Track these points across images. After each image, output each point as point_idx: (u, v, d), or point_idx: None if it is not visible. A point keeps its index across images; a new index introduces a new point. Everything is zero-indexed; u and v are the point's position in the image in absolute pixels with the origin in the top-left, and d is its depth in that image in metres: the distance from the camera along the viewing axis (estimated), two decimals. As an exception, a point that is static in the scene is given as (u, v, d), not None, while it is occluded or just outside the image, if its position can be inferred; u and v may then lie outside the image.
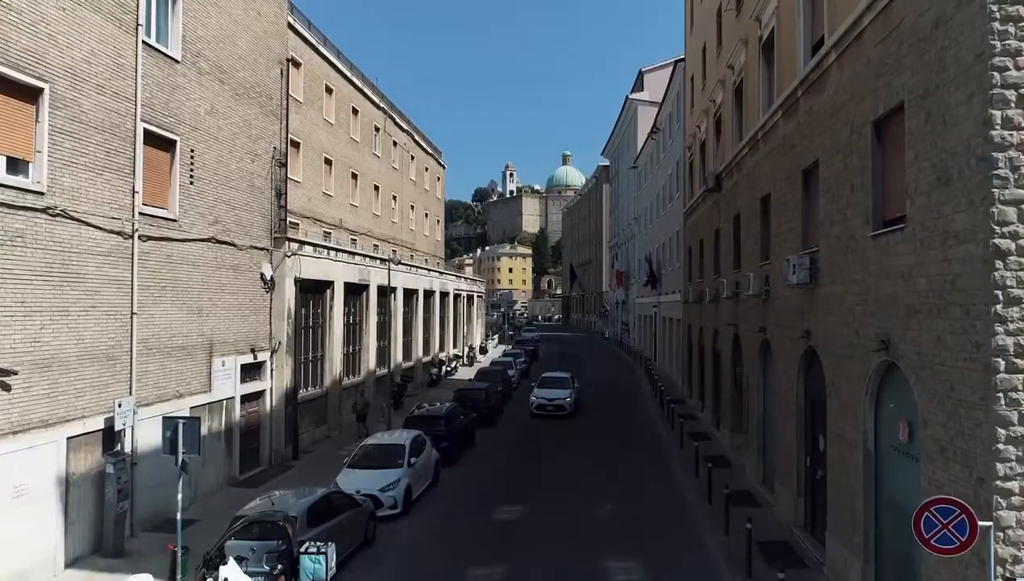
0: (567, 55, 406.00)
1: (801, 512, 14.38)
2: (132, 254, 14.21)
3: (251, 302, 19.04)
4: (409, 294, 35.04)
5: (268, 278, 19.78)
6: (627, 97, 60.66)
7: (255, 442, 19.56)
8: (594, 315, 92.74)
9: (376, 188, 41.68)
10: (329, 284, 23.79)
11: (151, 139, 14.97)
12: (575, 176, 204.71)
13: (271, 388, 20.01)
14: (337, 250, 24.31)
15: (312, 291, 22.94)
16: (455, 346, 46.43)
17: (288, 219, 30.09)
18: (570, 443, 23.59)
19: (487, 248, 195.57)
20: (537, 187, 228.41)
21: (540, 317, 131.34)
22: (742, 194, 20.10)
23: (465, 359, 46.22)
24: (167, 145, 15.61)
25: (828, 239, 12.33)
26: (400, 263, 23.97)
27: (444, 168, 59.50)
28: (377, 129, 41.98)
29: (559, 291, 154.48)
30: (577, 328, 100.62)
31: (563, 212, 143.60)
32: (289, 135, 30.28)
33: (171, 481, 14.63)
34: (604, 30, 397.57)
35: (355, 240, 36.86)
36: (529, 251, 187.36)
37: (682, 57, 35.52)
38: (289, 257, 20.36)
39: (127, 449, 13.77)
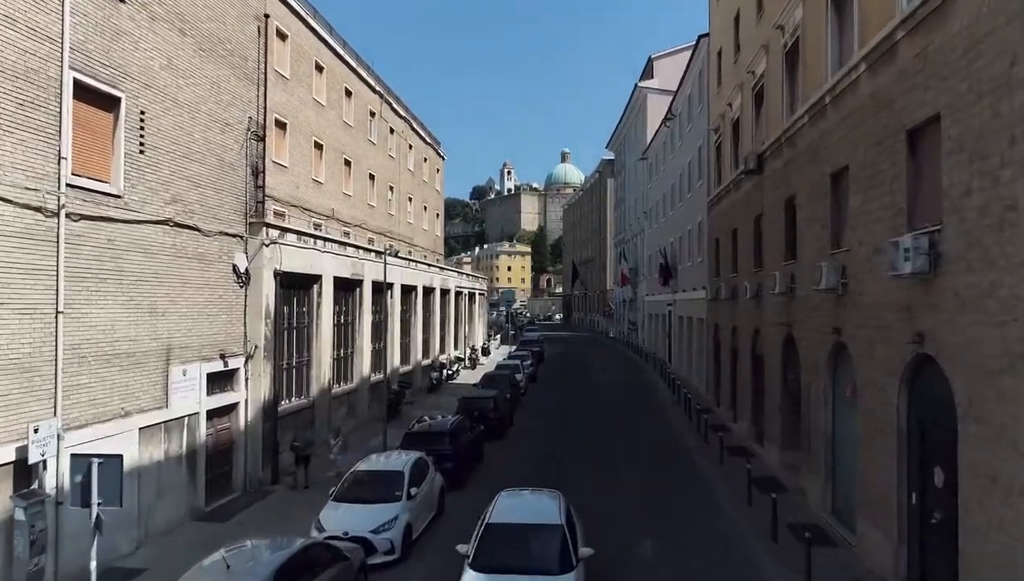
0: (565, 52, 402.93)
1: (903, 562, 11.42)
2: (58, 236, 11.20)
3: (221, 298, 16.03)
4: (407, 291, 32.05)
5: (242, 270, 16.77)
6: (636, 85, 57.72)
7: (226, 464, 16.55)
8: (597, 314, 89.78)
9: (371, 177, 38.65)
10: (316, 279, 20.78)
11: (85, 94, 11.96)
12: (574, 174, 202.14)
13: (246, 400, 17.01)
14: (325, 240, 21.29)
15: (296, 286, 19.92)
16: (456, 347, 43.43)
17: (273, 207, 27.16)
18: (592, 455, 20.62)
19: (485, 246, 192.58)
20: (536, 185, 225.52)
21: (540, 316, 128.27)
22: (799, 172, 17.14)
23: (467, 361, 43.23)
24: (108, 103, 12.58)
25: (962, 213, 9.37)
26: (397, 256, 20.96)
27: (444, 159, 56.48)
28: (373, 114, 38.96)
29: (559, 290, 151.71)
30: (579, 327, 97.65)
31: (564, 209, 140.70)
32: (274, 114, 27.41)
33: (109, 523, 11.66)
34: (603, 25, 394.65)
35: (348, 232, 33.85)
36: (528, 249, 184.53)
37: (705, 33, 32.55)
38: (267, 246, 17.34)
39: (47, 486, 10.75)
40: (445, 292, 40.00)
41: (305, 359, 20.57)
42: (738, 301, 24.21)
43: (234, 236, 16.54)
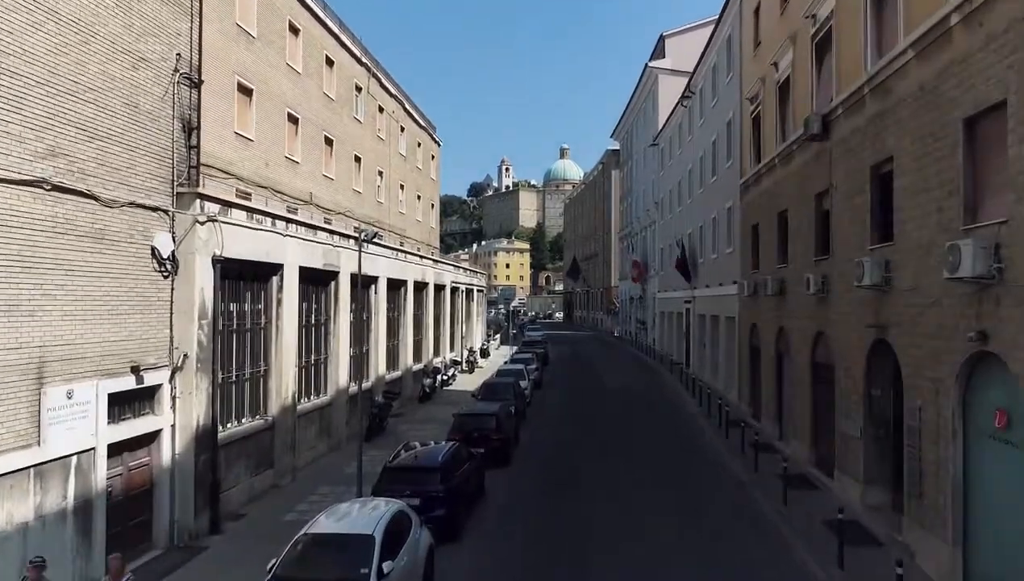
0: (563, 48, 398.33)
1: None
2: None
3: (133, 292, 11.96)
4: (395, 286, 27.97)
5: (166, 255, 12.67)
6: (646, 66, 53.58)
7: (143, 513, 12.47)
8: (601, 312, 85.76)
9: (357, 159, 34.50)
10: (275, 269, 16.69)
11: None
12: (573, 170, 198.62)
13: (173, 425, 12.91)
14: (288, 220, 17.15)
15: (248, 278, 15.86)
16: (452, 349, 39.36)
17: (236, 187, 23.03)
18: (618, 483, 16.61)
19: (483, 243, 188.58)
20: (534, 182, 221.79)
21: (540, 314, 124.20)
22: (898, 126, 13.09)
23: (465, 365, 39.14)
24: (-73, -2, 8.50)
25: None
26: (375, 239, 16.81)
27: (440, 146, 52.34)
28: (359, 88, 34.81)
29: (558, 287, 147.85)
30: (582, 326, 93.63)
31: (565, 203, 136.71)
32: (236, 76, 23.30)
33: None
34: (602, 19, 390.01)
35: (330, 221, 29.76)
36: (527, 246, 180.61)
37: (735, -9, 28.48)
38: (202, 224, 13.24)
39: None
40: (440, 288, 35.92)
41: (261, 369, 16.46)
42: (788, 297, 20.20)
43: (153, 209, 12.45)
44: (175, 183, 13.02)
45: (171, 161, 12.97)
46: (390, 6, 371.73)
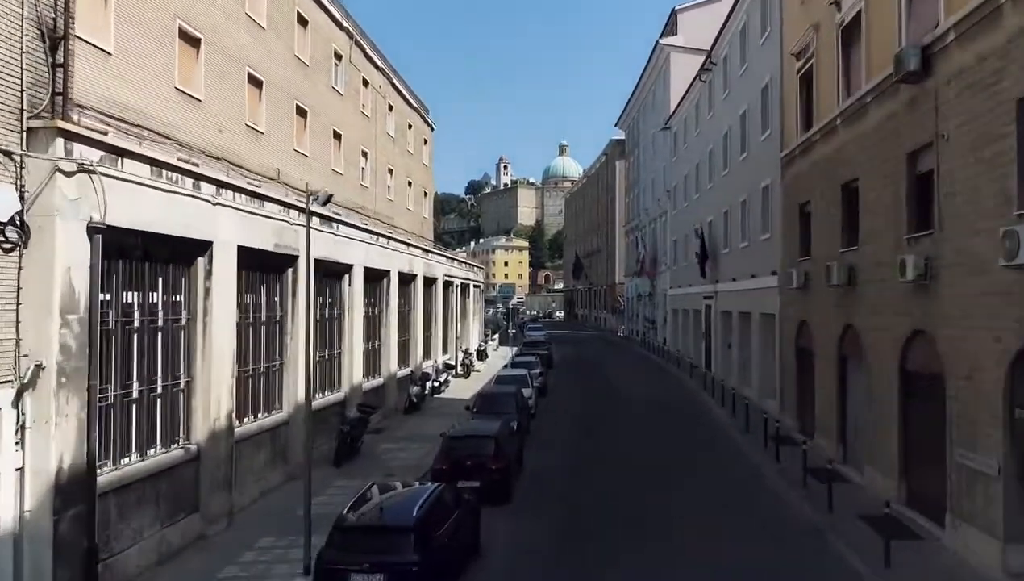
0: (563, 45, 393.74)
1: None
2: None
3: (-58, 271, 7.85)
4: (375, 278, 23.82)
5: (6, 218, 8.56)
6: (656, 43, 49.45)
7: (-35, 603, 8.36)
8: (605, 310, 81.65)
9: (337, 136, 30.40)
10: (202, 247, 12.54)
11: None
12: (573, 167, 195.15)
13: (19, 469, 8.79)
14: (219, 183, 12.93)
15: (159, 258, 11.70)
16: (445, 352, 35.22)
17: (178, 154, 18.90)
18: (646, 530, 12.55)
19: (481, 241, 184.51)
20: (532, 180, 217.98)
21: (540, 313, 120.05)
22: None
23: (459, 368, 34.97)
24: None
25: None
26: (328, 204, 12.57)
27: (433, 130, 48.22)
28: (339, 56, 30.70)
29: (558, 286, 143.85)
30: (584, 325, 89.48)
31: (566, 198, 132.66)
32: (179, 21, 19.26)
33: None
34: (603, 17, 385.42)
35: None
36: (525, 244, 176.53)
37: (774, -67, 24.39)
38: (69, 174, 9.10)
39: None
40: (431, 282, 31.80)
41: (180, 382, 12.31)
42: (860, 288, 16.14)
43: (-17, 148, 8.34)
44: (25, 114, 8.90)
45: (19, 83, 8.85)
46: (389, 5, 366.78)
